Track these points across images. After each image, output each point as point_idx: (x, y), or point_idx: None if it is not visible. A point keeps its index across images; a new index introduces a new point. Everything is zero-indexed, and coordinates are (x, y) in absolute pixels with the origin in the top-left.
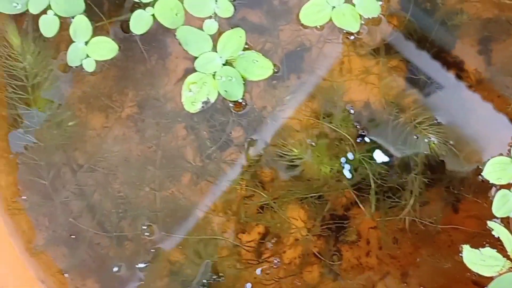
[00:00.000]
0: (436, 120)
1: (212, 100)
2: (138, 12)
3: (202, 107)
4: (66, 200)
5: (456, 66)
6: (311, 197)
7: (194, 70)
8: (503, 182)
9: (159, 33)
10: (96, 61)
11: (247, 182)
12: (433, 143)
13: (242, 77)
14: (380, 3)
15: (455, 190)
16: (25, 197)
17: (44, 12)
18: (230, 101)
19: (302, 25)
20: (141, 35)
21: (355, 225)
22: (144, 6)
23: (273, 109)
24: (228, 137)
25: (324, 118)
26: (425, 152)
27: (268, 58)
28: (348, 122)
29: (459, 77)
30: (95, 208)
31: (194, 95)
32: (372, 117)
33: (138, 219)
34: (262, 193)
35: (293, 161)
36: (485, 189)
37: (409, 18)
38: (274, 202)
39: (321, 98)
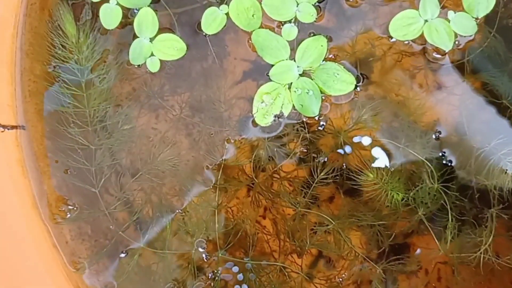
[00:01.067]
0: None
1: (286, 113)
2: (211, 10)
3: (274, 120)
4: (114, 210)
5: None
6: (379, 225)
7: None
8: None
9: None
10: (161, 61)
11: (310, 203)
12: None
13: (320, 91)
14: (477, 21)
15: None
16: (71, 206)
17: (106, 0)
18: (305, 116)
19: (389, 37)
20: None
21: (419, 256)
22: (218, 3)
23: (347, 128)
24: (296, 154)
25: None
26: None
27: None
28: (428, 147)
29: None
30: (144, 221)
31: (267, 107)
32: (455, 144)
33: (192, 235)
34: (327, 217)
35: (365, 186)
36: None
37: (495, 35)
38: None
39: (400, 118)
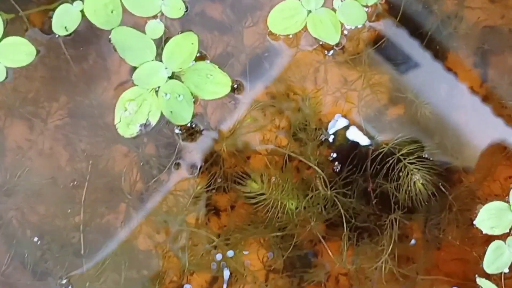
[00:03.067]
0: (424, 152)
1: (153, 122)
2: (63, 7)
3: (140, 130)
4: None
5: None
6: (275, 236)
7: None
8: (497, 232)
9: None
10: (8, 68)
11: (197, 219)
12: (420, 182)
13: (192, 95)
14: (367, 9)
15: (441, 234)
16: None
17: None
18: (176, 125)
19: (270, 32)
20: (66, 36)
21: (323, 264)
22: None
23: (230, 132)
24: (173, 166)
25: (293, 140)
26: (410, 191)
27: (225, 69)
28: (319, 150)
29: (453, 96)
30: (12, 237)
31: (130, 116)
32: (348, 144)
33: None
34: (212, 236)
35: (253, 197)
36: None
37: (398, 25)
38: (227, 244)
39: (291, 118)
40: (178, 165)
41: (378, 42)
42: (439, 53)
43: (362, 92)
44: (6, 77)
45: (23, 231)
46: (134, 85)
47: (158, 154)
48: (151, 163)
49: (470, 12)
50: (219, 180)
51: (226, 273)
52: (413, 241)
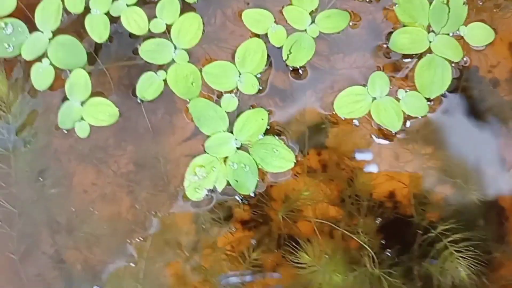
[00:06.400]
0: (470, 242)
1: (220, 189)
2: (148, 75)
3: (206, 195)
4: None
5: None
6: None
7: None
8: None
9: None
10: (91, 126)
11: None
12: (464, 273)
13: (257, 167)
14: (430, 103)
15: None
16: None
17: (38, 59)
18: (240, 194)
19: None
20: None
21: None
22: (155, 68)
23: (286, 201)
24: (230, 230)
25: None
26: (454, 279)
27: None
28: (368, 225)
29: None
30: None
31: (199, 181)
32: (396, 221)
33: None
34: None
35: (302, 267)
36: None
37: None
38: None
39: (342, 189)
40: (232, 225)
41: (432, 125)
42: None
43: (412, 171)
44: (88, 135)
45: (82, 272)
46: (205, 152)
47: (214, 213)
48: (208, 221)
49: None
50: (266, 241)
51: None
52: None
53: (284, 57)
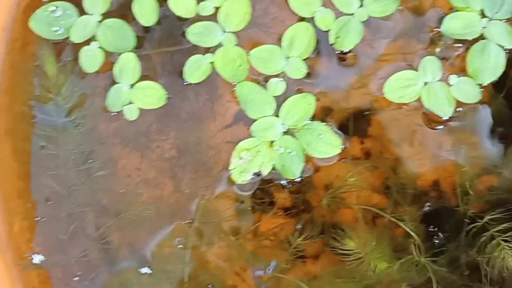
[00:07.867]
0: None
1: (265, 173)
2: (195, 58)
3: (252, 178)
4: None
5: None
6: None
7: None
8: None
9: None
10: (140, 109)
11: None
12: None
13: (303, 151)
14: (481, 90)
15: None
16: (39, 252)
17: (87, 42)
18: (285, 178)
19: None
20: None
21: None
22: (203, 51)
23: (329, 190)
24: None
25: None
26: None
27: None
28: (415, 216)
29: None
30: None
31: (245, 164)
32: (443, 211)
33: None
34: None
35: (347, 254)
36: None
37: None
38: None
39: (387, 177)
40: (273, 209)
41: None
42: None
43: (457, 160)
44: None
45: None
46: (251, 136)
47: (257, 198)
48: (251, 206)
49: None
50: (309, 228)
51: None
52: None
53: (332, 41)
